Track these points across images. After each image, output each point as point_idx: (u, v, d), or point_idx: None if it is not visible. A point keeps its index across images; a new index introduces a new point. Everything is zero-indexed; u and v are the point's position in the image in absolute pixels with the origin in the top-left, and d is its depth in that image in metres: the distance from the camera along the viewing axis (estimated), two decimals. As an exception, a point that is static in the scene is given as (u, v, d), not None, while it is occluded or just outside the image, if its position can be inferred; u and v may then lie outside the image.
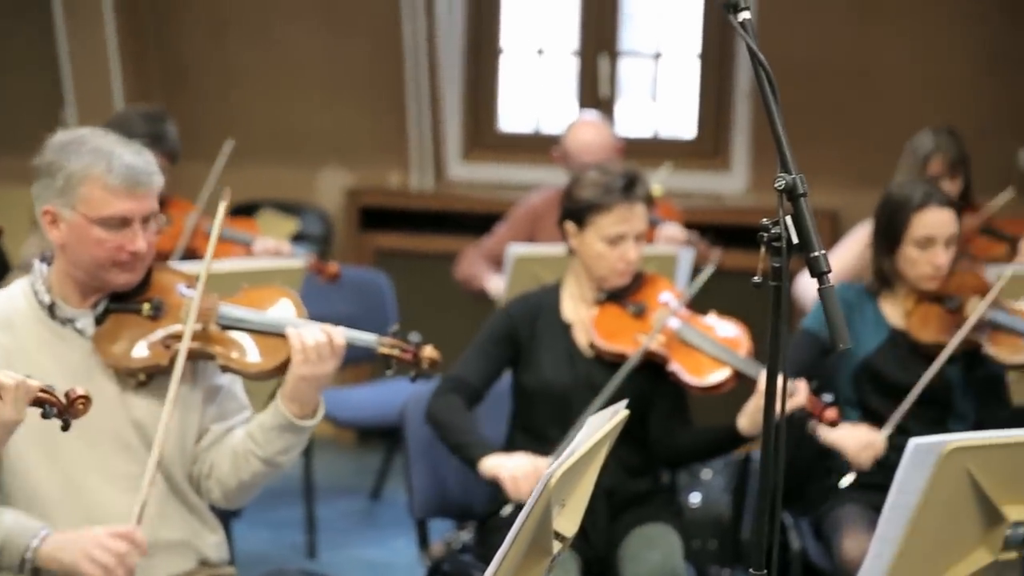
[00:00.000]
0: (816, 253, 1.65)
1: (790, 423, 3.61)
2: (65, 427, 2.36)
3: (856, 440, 3.43)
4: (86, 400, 2.38)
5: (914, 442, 2.50)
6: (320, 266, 4.55)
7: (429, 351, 2.85)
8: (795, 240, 1.65)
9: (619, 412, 2.15)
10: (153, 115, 4.19)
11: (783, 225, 1.66)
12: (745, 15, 1.77)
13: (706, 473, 5.69)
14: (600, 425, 2.05)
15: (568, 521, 2.05)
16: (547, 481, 1.82)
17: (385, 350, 2.82)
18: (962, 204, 4.02)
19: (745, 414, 3.25)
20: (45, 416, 2.34)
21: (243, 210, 6.45)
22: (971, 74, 5.94)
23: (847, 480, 3.39)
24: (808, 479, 3.73)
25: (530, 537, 1.89)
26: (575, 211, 3.41)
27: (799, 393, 3.20)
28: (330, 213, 6.54)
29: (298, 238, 6.42)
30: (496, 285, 4.88)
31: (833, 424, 3.27)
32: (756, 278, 1.70)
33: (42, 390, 2.34)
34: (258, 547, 5.17)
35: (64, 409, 2.36)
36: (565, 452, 1.91)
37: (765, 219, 1.69)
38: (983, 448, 2.54)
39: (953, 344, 3.47)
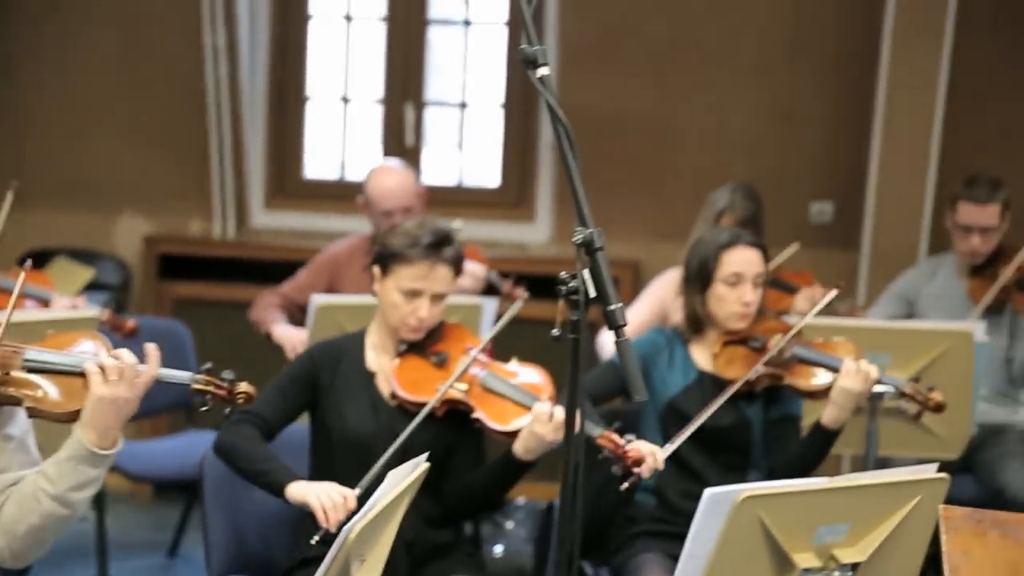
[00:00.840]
0: (613, 307, 1.66)
1: (595, 466, 3.65)
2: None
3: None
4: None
5: (709, 491, 2.54)
6: (117, 321, 4.42)
7: (244, 386, 2.82)
8: (592, 293, 1.67)
9: (420, 465, 2.14)
10: None
11: (580, 279, 1.67)
12: (544, 71, 1.78)
13: (509, 524, 5.72)
14: (401, 478, 2.04)
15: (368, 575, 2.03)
16: (347, 536, 1.80)
17: (199, 386, 2.78)
18: None
19: (520, 438, 3.28)
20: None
21: (37, 257, 6.25)
22: (765, 128, 6.13)
23: (624, 485, 3.39)
24: (609, 528, 3.77)
25: (328, 594, 1.86)
26: (382, 256, 3.42)
27: (558, 415, 3.22)
28: (128, 261, 6.39)
29: (94, 287, 6.25)
30: (281, 331, 4.82)
31: (637, 464, 3.31)
32: (555, 331, 1.71)
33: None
34: (48, 608, 4.99)
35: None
36: (366, 506, 1.89)
37: (563, 272, 1.70)
38: (774, 497, 2.60)
39: (755, 372, 3.56)
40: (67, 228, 6.33)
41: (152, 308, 6.28)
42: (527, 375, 3.46)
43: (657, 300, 4.80)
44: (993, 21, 5.88)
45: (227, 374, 2.83)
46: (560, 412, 3.22)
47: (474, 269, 4.85)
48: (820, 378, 3.63)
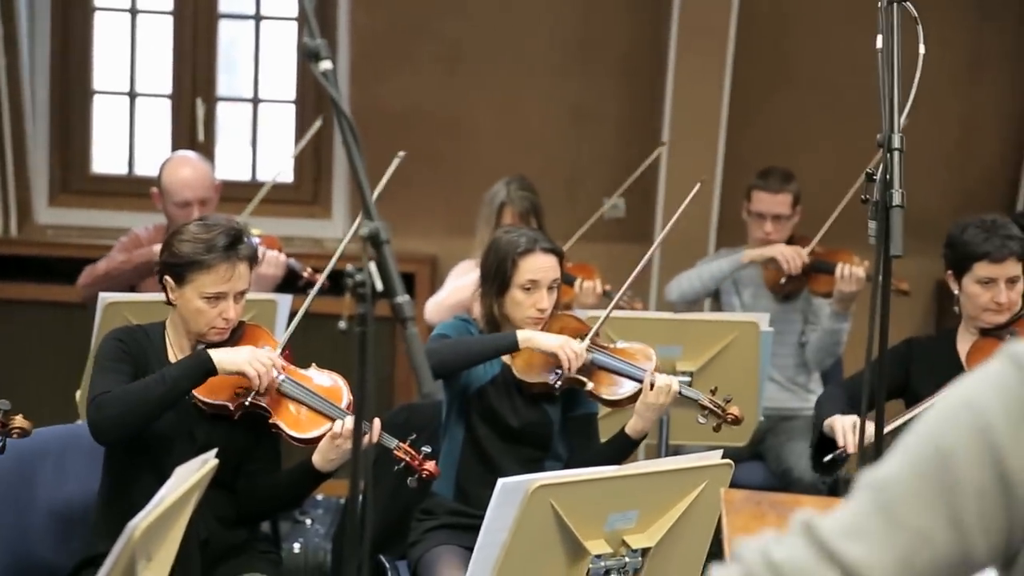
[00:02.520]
0: (399, 299, 1.67)
1: (379, 462, 3.66)
2: None
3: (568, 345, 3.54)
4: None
5: (501, 481, 2.58)
6: None
7: (19, 420, 2.73)
8: (379, 287, 1.67)
9: (208, 462, 2.11)
10: None
11: (367, 272, 1.67)
12: (326, 64, 1.77)
13: (307, 520, 5.68)
14: (188, 475, 2.01)
15: (155, 575, 2.00)
16: (131, 534, 1.76)
17: None
18: None
19: (318, 451, 3.27)
20: None
21: None
22: (556, 126, 6.22)
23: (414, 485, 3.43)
24: (407, 521, 3.78)
25: (113, 595, 1.82)
26: (173, 266, 3.30)
27: (374, 430, 3.22)
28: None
29: None
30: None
31: (431, 477, 3.33)
32: (342, 323, 1.71)
33: None
34: None
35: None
36: (150, 504, 1.85)
37: (349, 266, 1.70)
38: (566, 485, 2.65)
39: (555, 379, 3.61)
40: None
41: (-69, 308, 6.05)
42: (325, 381, 3.43)
43: (458, 289, 4.86)
44: (773, 19, 6.08)
45: (2, 405, 2.73)
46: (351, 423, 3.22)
47: (275, 257, 4.80)
48: (623, 388, 3.67)
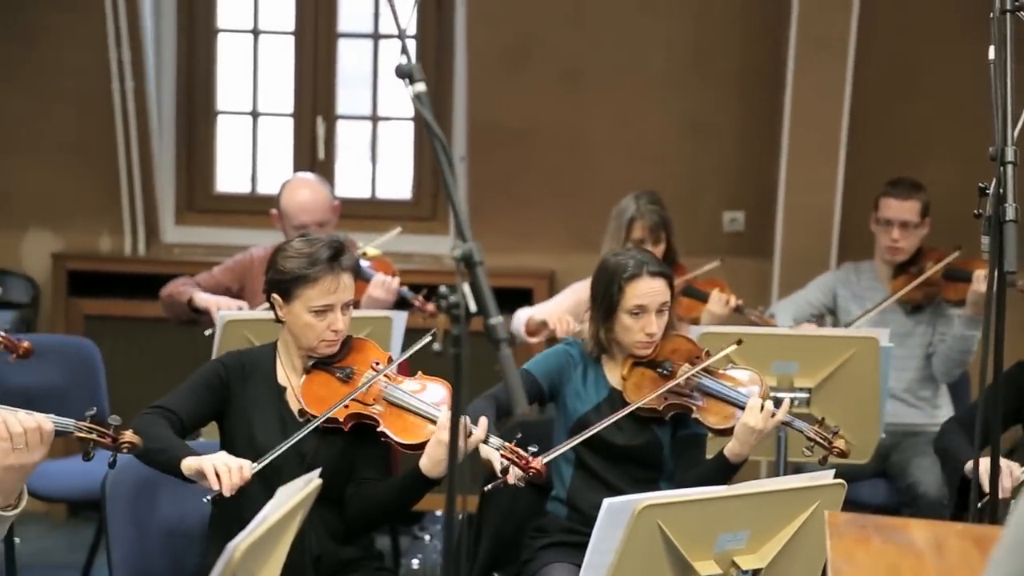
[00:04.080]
0: (493, 320, 1.66)
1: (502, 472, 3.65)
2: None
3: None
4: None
5: (608, 501, 2.56)
6: (11, 343, 4.26)
7: (129, 435, 2.78)
8: (473, 307, 1.67)
9: (312, 481, 2.12)
10: None
11: (460, 293, 1.67)
12: (420, 87, 1.78)
13: (426, 536, 5.71)
14: (291, 495, 2.02)
15: (260, 594, 2.02)
16: (232, 553, 1.78)
17: (82, 434, 2.74)
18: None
19: (425, 454, 3.25)
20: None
21: (-58, 277, 6.19)
22: (674, 139, 6.18)
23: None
24: (520, 539, 3.77)
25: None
26: (279, 283, 3.36)
27: (479, 430, 3.21)
28: (36, 279, 6.31)
29: (2, 305, 6.17)
30: (203, 296, 4.79)
31: (539, 475, 3.30)
32: (436, 345, 1.71)
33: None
34: (-45, 632, 4.91)
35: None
36: (252, 523, 1.87)
37: (443, 286, 1.70)
38: (674, 505, 2.62)
39: (651, 398, 3.57)
40: (-28, 246, 6.24)
41: (62, 326, 6.20)
42: (432, 389, 3.45)
43: (575, 297, 4.86)
44: (894, 28, 5.97)
45: (113, 420, 2.78)
46: (467, 420, 3.21)
47: (387, 282, 4.84)
48: (727, 415, 3.62)
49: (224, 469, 3.08)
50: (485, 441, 3.23)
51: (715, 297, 4.84)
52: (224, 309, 4.57)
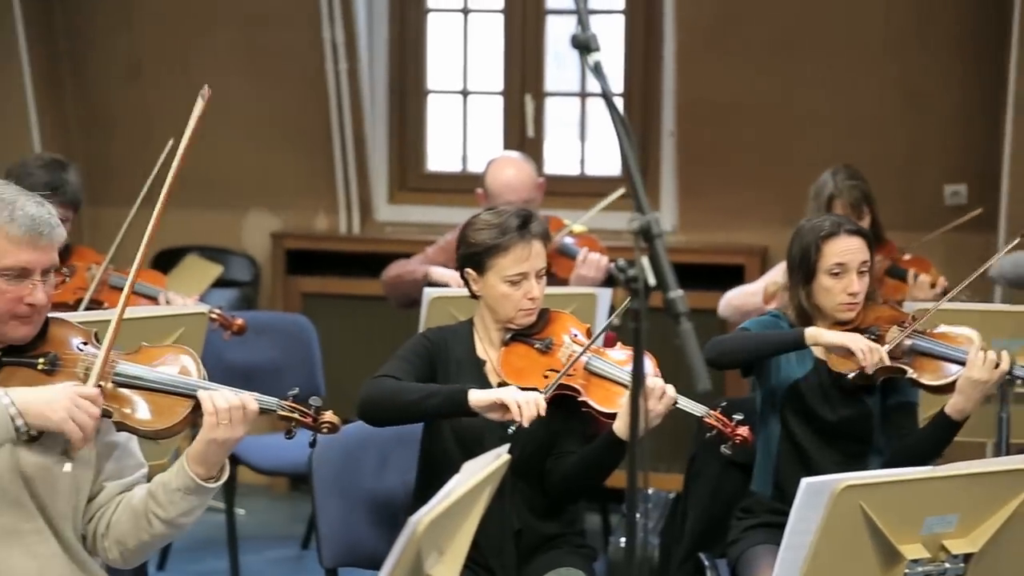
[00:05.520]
0: (672, 294, 1.62)
1: (708, 450, 3.60)
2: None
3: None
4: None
5: (806, 481, 2.49)
6: (226, 320, 4.39)
7: (328, 416, 2.82)
8: (652, 281, 1.63)
9: (501, 456, 2.12)
10: (53, 164, 4.07)
11: (639, 267, 1.64)
12: (596, 57, 1.75)
13: (636, 514, 5.68)
14: (476, 470, 2.02)
15: (448, 569, 2.02)
16: (415, 528, 1.79)
17: (285, 413, 2.79)
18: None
19: (619, 417, 3.22)
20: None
21: (168, 255, 6.41)
22: (891, 110, 5.99)
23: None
24: (726, 519, 3.72)
25: (402, 586, 1.85)
26: (472, 256, 3.37)
27: (668, 391, 3.18)
28: (256, 257, 6.49)
29: (225, 283, 6.38)
30: (440, 271, 4.82)
31: (744, 443, 3.24)
32: (615, 319, 1.68)
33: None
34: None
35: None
36: (435, 498, 1.87)
37: (621, 260, 1.66)
38: (876, 486, 2.53)
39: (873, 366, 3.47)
40: (197, 226, 6.44)
41: (281, 303, 6.37)
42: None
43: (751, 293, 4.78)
44: None
45: (314, 401, 2.83)
46: (662, 384, 3.17)
47: (596, 259, 4.81)
48: (947, 372, 3.49)
49: (523, 400, 3.12)
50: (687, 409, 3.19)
51: (920, 282, 4.66)
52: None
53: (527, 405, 3.12)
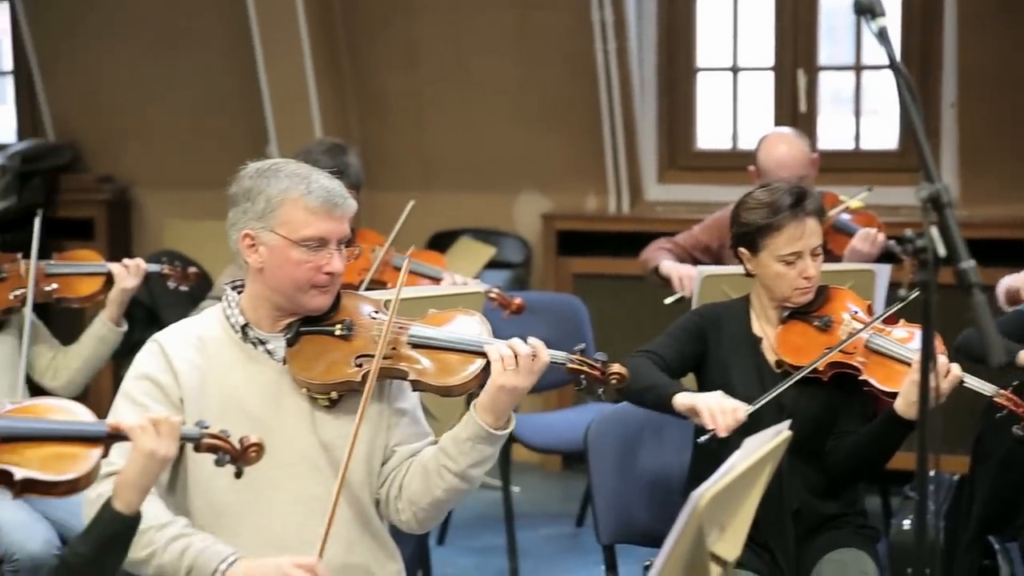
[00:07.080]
0: (964, 265, 1.57)
1: (996, 430, 3.48)
2: (238, 474, 2.48)
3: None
4: (259, 448, 2.49)
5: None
6: (504, 299, 4.52)
7: (616, 367, 2.85)
8: (942, 252, 1.57)
9: (781, 433, 2.09)
10: (335, 148, 4.24)
11: (928, 237, 1.59)
12: (882, 22, 1.69)
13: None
14: (757, 446, 2.00)
15: (730, 545, 2.01)
16: (696, 503, 1.78)
17: (574, 366, 2.83)
18: None
19: (900, 396, 3.12)
20: (219, 463, 2.47)
21: (442, 238, 6.55)
22: None
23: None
24: (1018, 500, 3.59)
25: (683, 562, 1.85)
26: (746, 235, 3.35)
27: (954, 370, 3.08)
28: (528, 239, 6.57)
29: (498, 264, 6.48)
30: (669, 265, 4.84)
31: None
32: (902, 291, 1.63)
33: (215, 436, 2.46)
34: (461, 573, 5.22)
35: (238, 456, 2.48)
36: (717, 473, 1.86)
37: (909, 231, 1.61)
38: None
39: None
40: (470, 208, 6.56)
41: (552, 283, 6.43)
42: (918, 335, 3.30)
43: None
44: None
45: (600, 355, 2.86)
46: (947, 361, 3.07)
47: (872, 235, 4.69)
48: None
49: (719, 410, 3.09)
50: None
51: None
52: (685, 279, 4.65)
53: (723, 415, 3.07)
